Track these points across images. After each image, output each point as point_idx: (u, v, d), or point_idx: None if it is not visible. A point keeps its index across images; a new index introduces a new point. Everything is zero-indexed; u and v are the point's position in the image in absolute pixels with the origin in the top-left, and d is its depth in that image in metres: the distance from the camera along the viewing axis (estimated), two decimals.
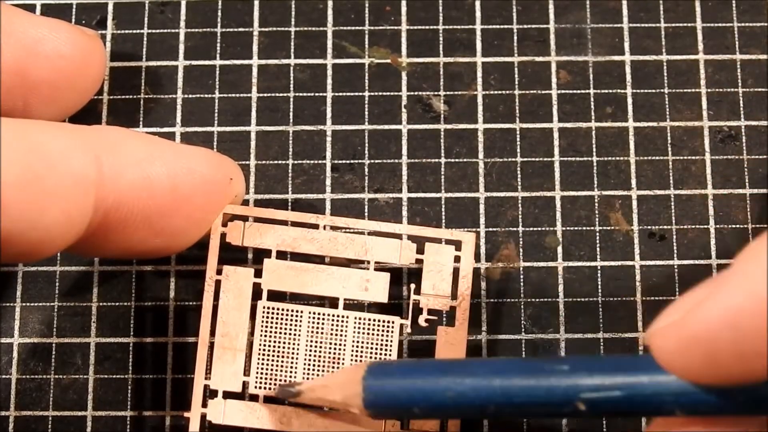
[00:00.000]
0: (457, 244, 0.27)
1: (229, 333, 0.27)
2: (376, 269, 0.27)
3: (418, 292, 0.27)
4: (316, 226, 0.28)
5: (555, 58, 0.31)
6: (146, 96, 0.30)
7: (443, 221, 0.29)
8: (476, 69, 0.30)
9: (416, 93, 0.30)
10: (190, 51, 0.31)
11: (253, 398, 0.27)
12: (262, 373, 0.27)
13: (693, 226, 0.29)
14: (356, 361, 0.27)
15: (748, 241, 0.29)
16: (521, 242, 0.29)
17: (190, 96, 0.30)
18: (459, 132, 0.30)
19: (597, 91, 0.30)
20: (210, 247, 0.27)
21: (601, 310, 0.29)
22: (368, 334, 0.27)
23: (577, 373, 0.22)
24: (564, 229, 0.29)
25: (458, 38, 0.31)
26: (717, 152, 0.30)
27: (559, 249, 0.29)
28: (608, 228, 0.29)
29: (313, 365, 0.27)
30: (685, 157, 0.30)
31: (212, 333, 0.27)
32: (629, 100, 0.30)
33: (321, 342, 0.27)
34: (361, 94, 0.30)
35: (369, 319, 0.27)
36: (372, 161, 0.30)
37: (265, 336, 0.27)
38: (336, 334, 0.27)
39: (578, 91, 0.30)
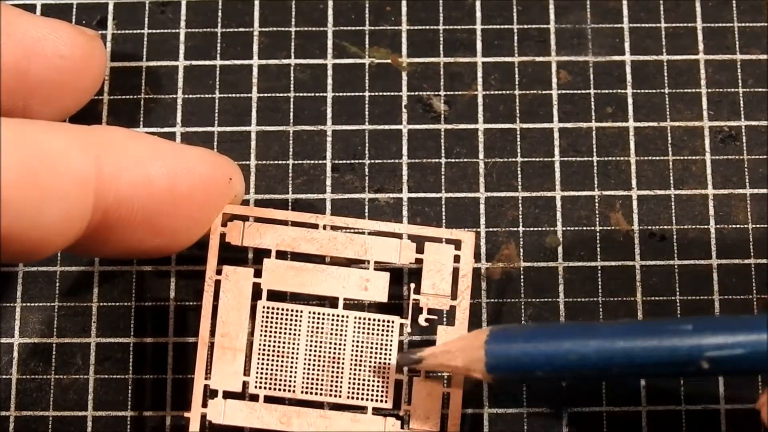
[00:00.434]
0: (457, 244, 0.27)
1: (229, 333, 0.27)
2: (376, 269, 0.27)
3: (418, 291, 0.27)
4: (316, 226, 0.28)
5: (555, 58, 0.31)
6: (146, 96, 0.30)
7: (443, 221, 0.29)
8: (476, 69, 0.30)
9: (416, 93, 0.30)
10: (190, 51, 0.31)
11: (253, 398, 0.27)
12: (262, 373, 0.27)
13: (693, 226, 0.29)
14: (356, 361, 0.27)
15: (748, 241, 0.29)
16: (521, 242, 0.29)
17: (190, 96, 0.30)
18: (459, 132, 0.30)
19: (597, 91, 0.30)
20: (210, 247, 0.27)
21: (601, 310, 0.29)
22: (368, 333, 0.27)
23: (701, 333, 0.23)
24: (564, 229, 0.29)
25: (458, 38, 0.31)
26: (717, 152, 0.30)
27: (559, 249, 0.29)
28: (608, 228, 0.29)
29: (313, 365, 0.27)
30: (686, 157, 0.30)
31: (212, 333, 0.27)
32: (629, 100, 0.30)
33: (321, 342, 0.27)
34: (361, 94, 0.30)
35: (369, 319, 0.27)
36: (372, 161, 0.30)
37: (265, 336, 0.27)
38: (336, 334, 0.27)
39: (578, 91, 0.30)
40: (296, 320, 0.27)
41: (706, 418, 0.28)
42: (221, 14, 0.31)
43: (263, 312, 0.27)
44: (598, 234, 0.29)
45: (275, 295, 0.28)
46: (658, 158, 0.30)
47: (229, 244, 0.27)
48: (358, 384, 0.27)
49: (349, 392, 0.27)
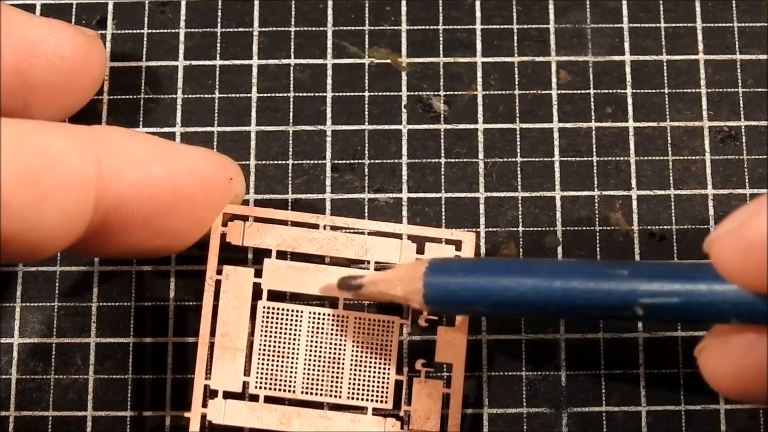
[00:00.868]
0: (457, 244, 0.27)
1: (229, 333, 0.27)
2: (376, 269, 0.27)
3: None
4: (316, 226, 0.28)
5: (555, 58, 0.31)
6: (146, 96, 0.30)
7: (443, 221, 0.29)
8: (476, 69, 0.30)
9: (416, 93, 0.30)
10: (190, 51, 0.31)
11: (254, 398, 0.27)
12: (262, 373, 0.27)
13: (693, 226, 0.29)
14: (356, 361, 0.27)
15: None
16: (521, 242, 0.29)
17: (190, 96, 0.30)
18: (459, 132, 0.30)
19: (597, 91, 0.30)
20: (210, 247, 0.27)
21: None
22: (368, 334, 0.27)
23: (637, 278, 0.23)
24: (564, 229, 0.29)
25: (458, 38, 0.31)
26: (717, 152, 0.30)
27: (559, 249, 0.29)
28: (608, 228, 0.29)
29: (313, 365, 0.27)
30: (685, 157, 0.30)
31: (212, 333, 0.27)
32: (629, 100, 0.30)
33: (321, 342, 0.27)
34: (361, 94, 0.30)
35: (369, 319, 0.27)
36: (372, 161, 0.30)
37: (265, 336, 0.27)
38: (336, 334, 0.27)
39: (578, 91, 0.30)
40: (296, 320, 0.27)
41: (706, 418, 0.28)
42: (221, 14, 0.31)
43: (263, 312, 0.27)
44: (597, 234, 0.29)
45: (275, 295, 0.28)
46: (657, 158, 0.30)
47: (229, 244, 0.27)
48: (358, 384, 0.27)
49: (349, 392, 0.27)
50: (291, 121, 0.30)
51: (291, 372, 0.27)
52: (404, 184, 0.30)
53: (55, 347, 0.29)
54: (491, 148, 0.30)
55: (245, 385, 0.27)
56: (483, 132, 0.30)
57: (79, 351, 0.29)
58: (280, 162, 0.30)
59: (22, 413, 0.29)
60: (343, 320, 0.27)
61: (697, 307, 0.22)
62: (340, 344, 0.27)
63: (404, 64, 0.31)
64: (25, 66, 0.26)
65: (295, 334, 0.27)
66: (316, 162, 0.30)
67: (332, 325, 0.27)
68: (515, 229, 0.29)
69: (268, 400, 0.27)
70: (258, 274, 0.28)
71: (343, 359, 0.27)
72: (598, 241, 0.29)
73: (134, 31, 0.31)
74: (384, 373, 0.27)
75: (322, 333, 0.27)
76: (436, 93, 0.30)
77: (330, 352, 0.27)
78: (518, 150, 0.30)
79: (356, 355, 0.27)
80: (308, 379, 0.27)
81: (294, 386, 0.27)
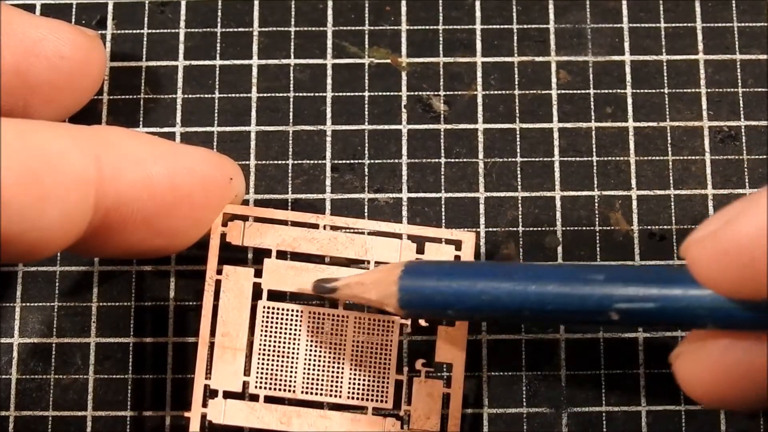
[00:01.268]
0: (457, 244, 0.27)
1: (230, 333, 0.27)
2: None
3: None
4: (316, 226, 0.28)
5: (555, 58, 0.31)
6: (146, 96, 0.30)
7: (443, 221, 0.29)
8: (476, 69, 0.30)
9: (416, 93, 0.30)
10: (190, 51, 0.31)
11: (254, 398, 0.27)
12: (262, 373, 0.27)
13: (693, 226, 0.29)
14: (356, 361, 0.27)
15: None
16: (521, 242, 0.29)
17: (190, 96, 0.30)
18: (459, 132, 0.30)
19: (597, 91, 0.30)
20: (210, 247, 0.27)
21: None
22: (368, 334, 0.27)
23: (612, 283, 0.22)
24: (564, 229, 0.29)
25: (458, 38, 0.31)
26: (717, 152, 0.30)
27: (559, 249, 0.29)
28: (608, 228, 0.29)
29: (313, 365, 0.27)
30: (685, 157, 0.30)
31: (212, 333, 0.27)
32: (629, 100, 0.30)
33: (321, 342, 0.27)
34: (361, 94, 0.30)
35: (369, 319, 0.27)
36: (372, 161, 0.30)
37: (265, 336, 0.27)
38: (336, 334, 0.27)
39: (578, 91, 0.30)
40: (296, 320, 0.27)
41: (706, 418, 0.28)
42: (221, 14, 0.31)
43: (263, 312, 0.27)
44: (597, 234, 0.29)
45: (275, 295, 0.28)
46: (657, 158, 0.30)
47: (229, 244, 0.27)
48: (358, 384, 0.27)
49: (349, 392, 0.27)
50: (291, 121, 0.30)
51: (291, 372, 0.27)
52: (404, 184, 0.30)
53: (55, 347, 0.29)
54: (491, 148, 0.30)
55: (245, 384, 0.27)
56: (483, 132, 0.30)
57: (79, 351, 0.29)
58: (280, 162, 0.30)
59: (22, 413, 0.29)
60: (343, 320, 0.27)
61: (672, 312, 0.22)
62: (340, 344, 0.27)
63: (404, 64, 0.31)
64: (25, 66, 0.26)
65: (295, 334, 0.27)
66: (316, 162, 0.30)
67: (332, 325, 0.27)
68: (515, 229, 0.29)
69: (268, 399, 0.27)
70: (258, 274, 0.28)
71: (343, 359, 0.27)
72: (598, 241, 0.29)
73: (134, 31, 0.31)
74: (384, 373, 0.27)
75: (322, 333, 0.27)
76: (436, 93, 0.30)
77: (330, 352, 0.27)
78: (518, 150, 0.30)
79: (356, 355, 0.27)
80: (308, 378, 0.27)
81: (294, 386, 0.27)
